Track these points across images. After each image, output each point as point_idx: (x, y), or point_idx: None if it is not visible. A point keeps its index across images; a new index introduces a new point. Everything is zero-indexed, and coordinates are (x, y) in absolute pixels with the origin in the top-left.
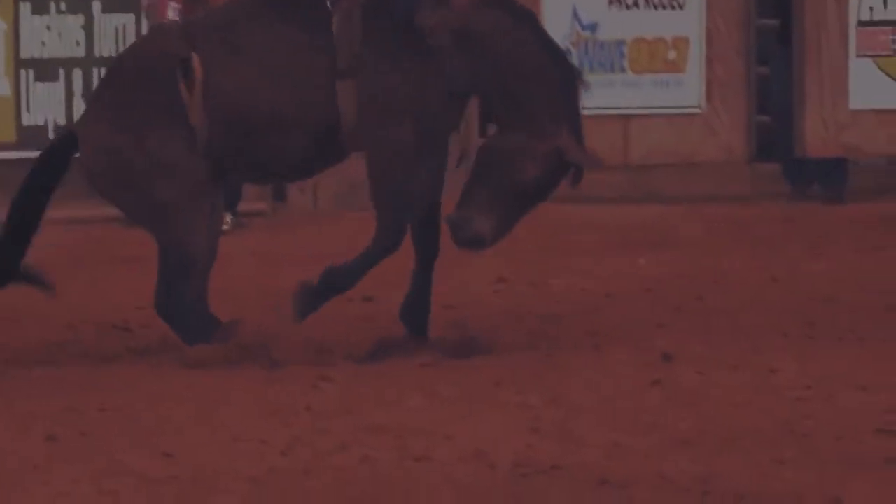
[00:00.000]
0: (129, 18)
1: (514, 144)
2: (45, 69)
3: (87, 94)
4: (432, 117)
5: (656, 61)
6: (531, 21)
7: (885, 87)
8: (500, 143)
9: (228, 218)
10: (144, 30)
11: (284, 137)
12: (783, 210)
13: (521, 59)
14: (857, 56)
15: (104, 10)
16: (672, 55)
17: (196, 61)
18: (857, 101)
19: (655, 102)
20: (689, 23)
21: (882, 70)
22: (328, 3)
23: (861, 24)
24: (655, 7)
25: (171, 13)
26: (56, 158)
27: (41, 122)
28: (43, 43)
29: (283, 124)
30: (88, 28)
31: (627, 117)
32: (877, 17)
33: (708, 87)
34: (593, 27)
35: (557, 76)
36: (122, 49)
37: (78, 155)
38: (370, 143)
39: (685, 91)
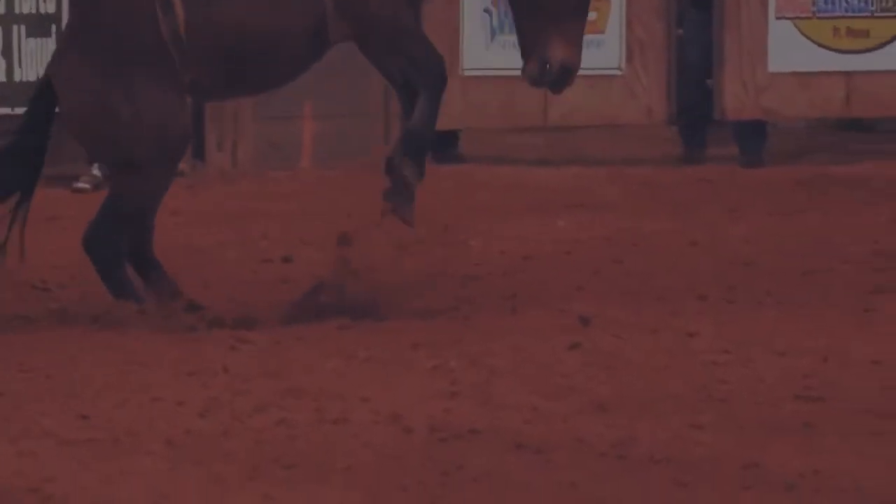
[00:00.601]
0: None
1: None
2: None
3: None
4: None
5: None
6: None
7: (804, 50)
8: None
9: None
10: None
11: (276, 49)
12: (703, 172)
13: None
14: (777, 18)
15: None
16: (592, 16)
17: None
18: (776, 63)
19: None
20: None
21: (802, 32)
22: None
23: None
24: None
25: None
26: (40, 109)
27: None
28: None
29: (274, 37)
30: None
31: None
32: None
33: (628, 49)
34: None
35: None
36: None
37: None
38: (367, 20)
39: (605, 52)
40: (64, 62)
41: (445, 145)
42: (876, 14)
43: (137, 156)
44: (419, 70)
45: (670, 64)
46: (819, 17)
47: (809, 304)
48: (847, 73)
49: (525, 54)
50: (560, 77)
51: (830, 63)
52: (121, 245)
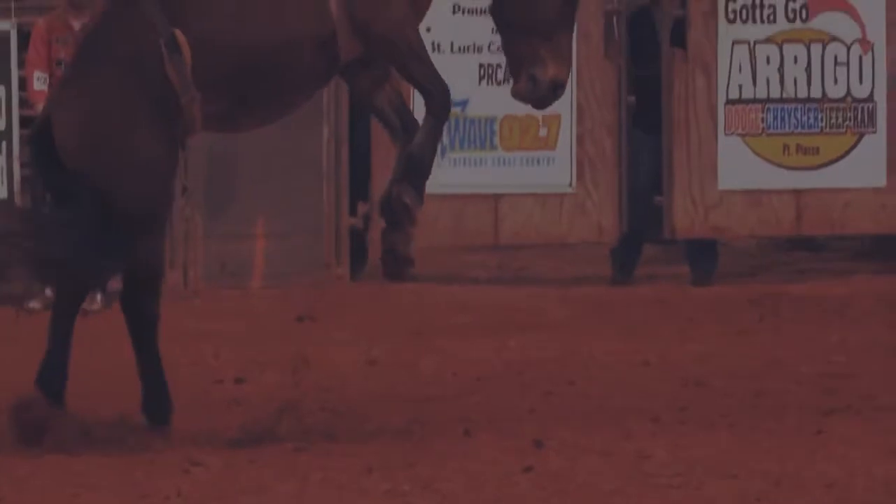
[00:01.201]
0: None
1: None
2: None
3: None
4: None
5: (527, 139)
6: None
7: (754, 168)
8: None
9: (98, 297)
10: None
11: (287, 66)
12: (654, 292)
13: None
14: (727, 135)
15: None
16: (543, 132)
17: (181, 38)
18: (726, 181)
19: (526, 181)
20: (561, 100)
21: (752, 150)
22: None
23: (730, 102)
24: None
25: (38, 83)
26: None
27: None
28: None
29: (284, 54)
30: None
31: (498, 196)
32: (746, 96)
33: (579, 166)
34: (464, 104)
35: None
36: None
37: None
38: (382, 35)
39: (556, 170)
40: (65, 100)
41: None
42: (826, 131)
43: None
44: (427, 96)
45: (622, 181)
46: (769, 135)
47: (762, 426)
48: (797, 191)
49: (513, 72)
50: (550, 93)
51: (781, 180)
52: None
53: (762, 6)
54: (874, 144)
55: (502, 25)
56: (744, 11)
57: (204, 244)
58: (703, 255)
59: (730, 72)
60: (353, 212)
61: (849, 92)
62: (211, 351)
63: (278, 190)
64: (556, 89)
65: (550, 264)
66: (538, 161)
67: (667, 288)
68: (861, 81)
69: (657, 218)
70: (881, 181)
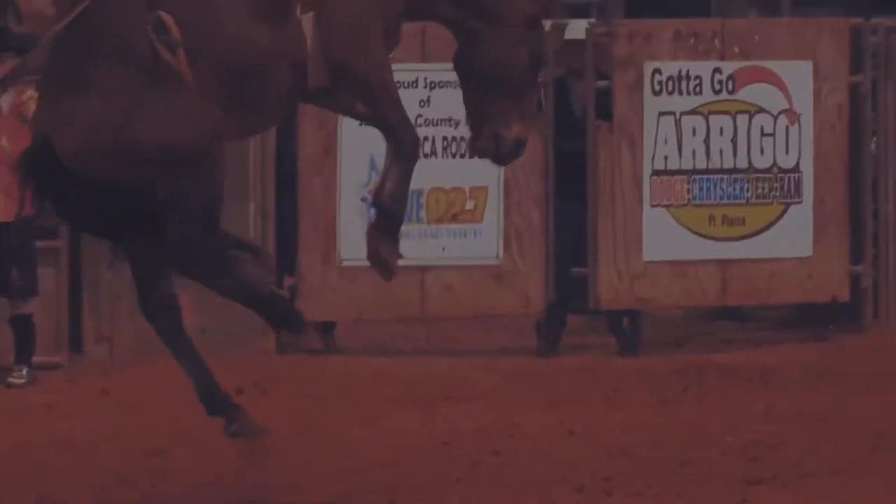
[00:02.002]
0: None
1: (497, 38)
2: None
3: None
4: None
5: (454, 211)
6: None
7: (680, 238)
8: (482, 45)
9: (24, 371)
10: None
11: (267, 73)
12: (581, 362)
13: None
14: (652, 206)
15: None
16: (470, 204)
17: (167, 19)
18: (651, 252)
19: (453, 253)
20: (488, 172)
21: (677, 221)
22: None
23: (655, 173)
24: (453, 155)
25: None
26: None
27: None
28: None
29: (262, 61)
30: None
31: (424, 268)
32: (671, 167)
33: (506, 238)
34: None
35: None
36: None
37: None
38: (357, 76)
39: (483, 242)
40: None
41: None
42: (752, 201)
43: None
44: (395, 141)
45: (548, 252)
46: (695, 206)
47: (687, 495)
48: (723, 261)
49: (473, 127)
50: (513, 151)
51: (706, 251)
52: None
53: (688, 78)
54: (800, 214)
55: (466, 79)
56: (670, 83)
57: (130, 318)
58: (627, 326)
59: (655, 143)
60: (279, 285)
61: (775, 162)
62: (137, 424)
63: None
64: (518, 148)
65: (478, 335)
66: (465, 233)
67: (593, 358)
68: (787, 152)
69: (583, 289)
70: (807, 251)
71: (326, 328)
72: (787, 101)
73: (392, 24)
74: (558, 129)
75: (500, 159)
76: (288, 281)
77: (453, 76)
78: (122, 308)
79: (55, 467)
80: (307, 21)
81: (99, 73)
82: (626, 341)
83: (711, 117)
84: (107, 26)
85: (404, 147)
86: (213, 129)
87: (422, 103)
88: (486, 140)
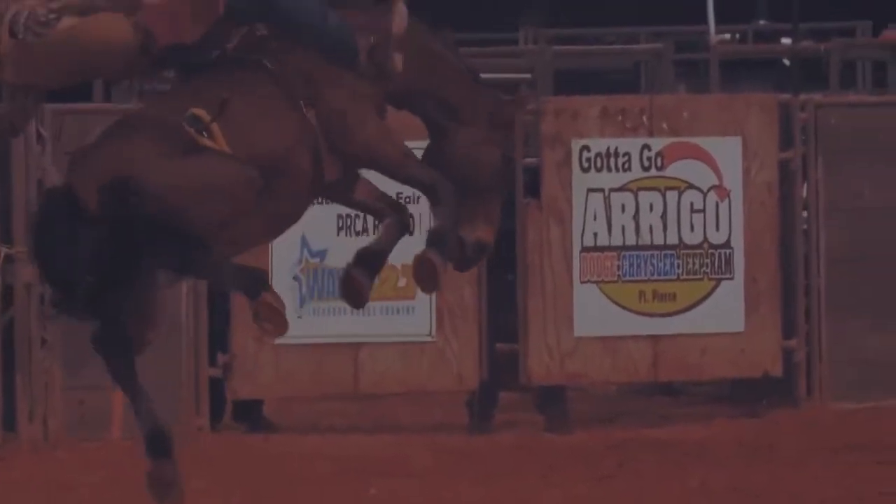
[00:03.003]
0: None
1: (467, 136)
2: None
3: None
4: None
5: (386, 288)
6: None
7: (610, 314)
8: (452, 143)
9: None
10: None
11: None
12: (515, 439)
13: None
14: (582, 282)
15: None
16: (402, 282)
17: (203, 113)
18: (582, 328)
19: (385, 330)
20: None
21: (608, 296)
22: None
23: (585, 249)
24: None
25: None
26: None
27: None
28: None
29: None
30: None
31: (357, 345)
32: (601, 243)
33: (439, 315)
34: (322, 254)
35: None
36: None
37: None
38: (361, 157)
39: (416, 319)
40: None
41: (251, 414)
42: (682, 277)
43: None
44: (429, 191)
45: (481, 330)
46: (625, 282)
47: None
48: (654, 337)
49: (436, 230)
50: (475, 255)
51: (637, 327)
52: None
53: (617, 155)
54: (732, 290)
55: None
56: (598, 160)
57: (63, 396)
58: (553, 402)
59: (584, 220)
60: (212, 362)
61: (706, 238)
62: (73, 502)
63: None
64: (481, 251)
65: (411, 412)
66: (398, 310)
67: (527, 435)
68: (718, 228)
69: (514, 365)
70: (739, 326)
71: (257, 406)
72: (717, 178)
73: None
74: None
75: (460, 263)
76: (221, 358)
77: None
78: (55, 386)
79: None
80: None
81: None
82: (553, 418)
83: (641, 193)
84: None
85: (437, 192)
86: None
87: None
88: (454, 250)
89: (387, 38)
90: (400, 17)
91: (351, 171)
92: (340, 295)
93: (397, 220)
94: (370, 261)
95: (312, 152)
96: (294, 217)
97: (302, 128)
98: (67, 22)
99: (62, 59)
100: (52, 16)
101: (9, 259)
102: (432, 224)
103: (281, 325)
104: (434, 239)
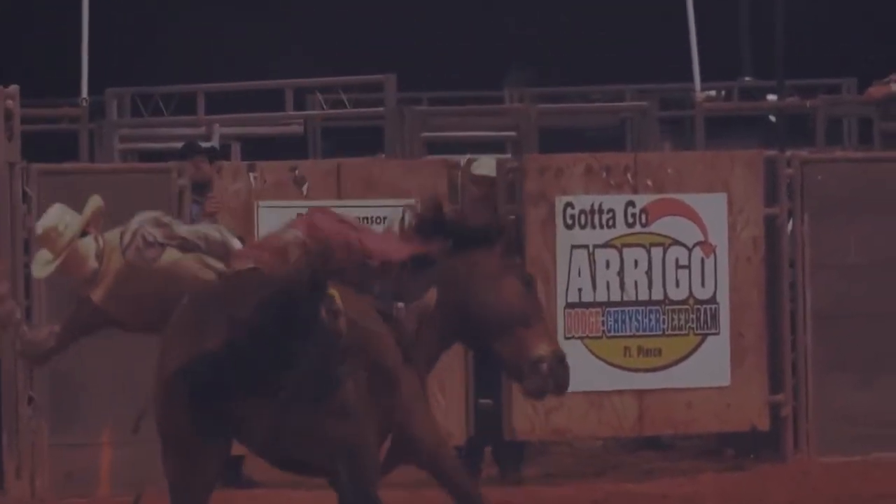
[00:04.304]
0: None
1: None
2: None
3: None
4: None
5: None
6: None
7: (595, 370)
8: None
9: None
10: None
11: None
12: (500, 494)
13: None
14: (567, 338)
15: None
16: None
17: (338, 298)
18: None
19: None
20: None
21: (592, 352)
22: None
23: (570, 305)
24: None
25: None
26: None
27: None
28: None
29: None
30: None
31: None
32: (585, 299)
33: None
34: None
35: None
36: None
37: None
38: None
39: None
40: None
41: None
42: (667, 333)
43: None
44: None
45: (468, 387)
46: (609, 337)
47: None
48: (640, 392)
49: (514, 374)
50: (559, 367)
51: (622, 382)
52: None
53: (601, 212)
54: (717, 344)
55: (478, 336)
56: (582, 217)
57: (50, 454)
58: (510, 455)
59: (569, 276)
60: None
61: (691, 294)
62: None
63: (125, 397)
64: (561, 361)
65: (399, 467)
66: None
67: (512, 489)
68: (703, 284)
69: (498, 420)
70: (725, 380)
71: (237, 462)
72: (702, 233)
73: None
74: None
75: (553, 384)
76: None
77: (367, 212)
78: (42, 444)
79: None
80: None
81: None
82: (508, 469)
83: (625, 250)
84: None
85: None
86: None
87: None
88: (528, 375)
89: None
90: None
91: None
92: None
93: None
94: None
95: None
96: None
97: None
98: (171, 255)
99: (151, 291)
100: (160, 240)
101: None
102: None
103: None
104: None
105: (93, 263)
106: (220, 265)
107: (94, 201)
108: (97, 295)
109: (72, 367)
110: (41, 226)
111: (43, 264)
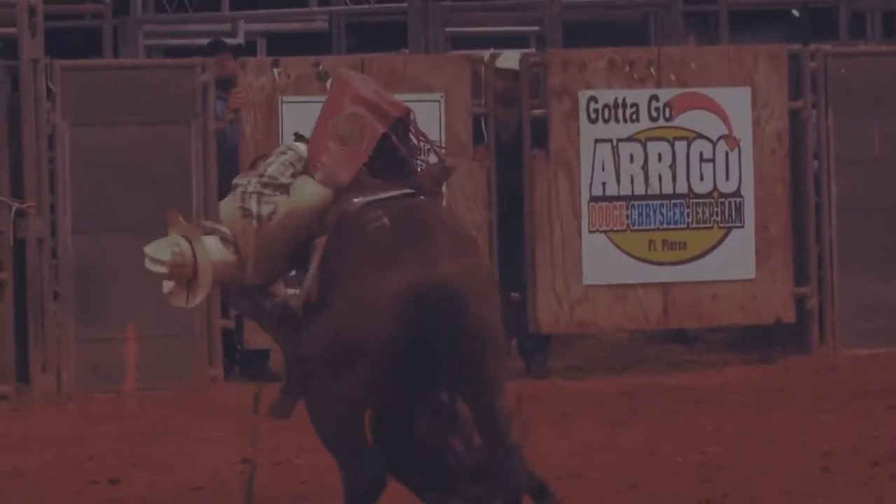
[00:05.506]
0: None
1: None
2: None
3: None
4: None
5: None
6: None
7: (620, 263)
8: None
9: None
10: None
11: None
12: (526, 386)
13: None
14: (591, 232)
15: None
16: None
17: None
18: (591, 276)
19: None
20: None
21: (617, 245)
22: None
23: (594, 199)
24: None
25: None
26: None
27: None
28: None
29: None
30: None
31: None
32: (609, 193)
33: None
34: None
35: None
36: None
37: None
38: None
39: None
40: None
41: (256, 364)
42: (692, 226)
43: None
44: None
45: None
46: (634, 231)
47: None
48: (664, 285)
49: None
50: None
51: (647, 275)
52: None
53: (624, 106)
54: (742, 238)
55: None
56: (605, 111)
57: (76, 348)
58: (535, 348)
59: (593, 170)
60: (224, 313)
61: (715, 187)
62: (86, 454)
63: (150, 293)
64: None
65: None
66: None
67: (539, 382)
68: (727, 178)
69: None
70: (750, 273)
71: (262, 357)
72: (727, 127)
73: None
74: (499, 160)
75: None
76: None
77: None
78: (68, 339)
79: (3, 496)
80: None
81: None
82: (535, 363)
83: (649, 143)
84: None
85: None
86: None
87: None
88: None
89: None
90: None
91: None
92: None
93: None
94: None
95: None
96: None
97: None
98: (285, 206)
99: (288, 239)
100: (267, 192)
101: (20, 214)
102: None
103: None
104: None
105: (230, 257)
106: (320, 188)
107: (172, 218)
108: (253, 276)
109: (97, 262)
110: (160, 270)
111: (191, 298)
